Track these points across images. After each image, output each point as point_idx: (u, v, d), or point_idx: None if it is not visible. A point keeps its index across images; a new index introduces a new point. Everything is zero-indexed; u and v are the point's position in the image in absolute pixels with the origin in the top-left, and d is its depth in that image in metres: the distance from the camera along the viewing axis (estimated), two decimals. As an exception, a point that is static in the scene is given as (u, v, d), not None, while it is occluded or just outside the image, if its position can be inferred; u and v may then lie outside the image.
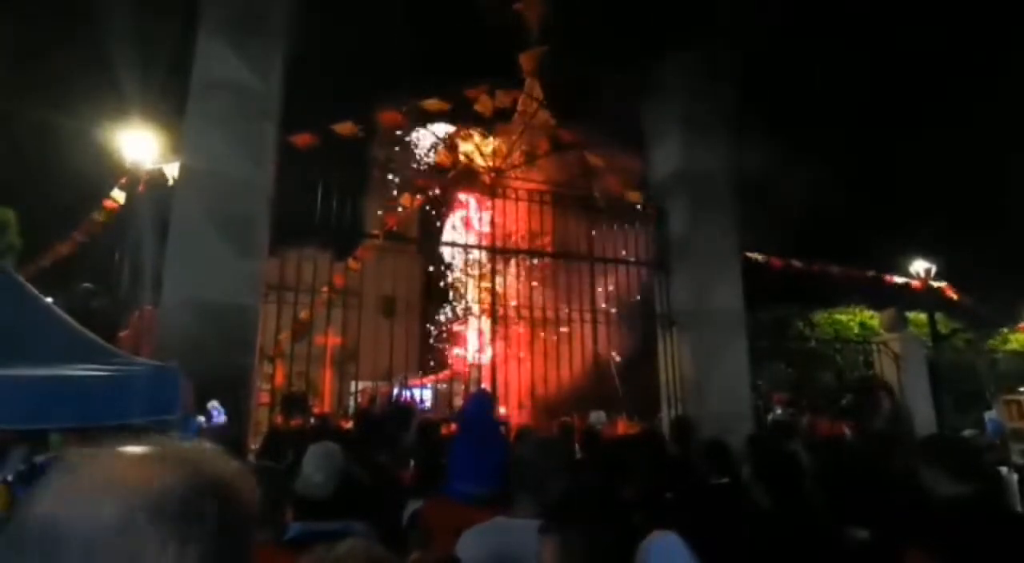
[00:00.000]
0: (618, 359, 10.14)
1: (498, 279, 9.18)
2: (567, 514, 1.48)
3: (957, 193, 18.36)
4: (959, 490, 1.92)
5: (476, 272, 13.49)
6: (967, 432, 7.56)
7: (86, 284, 6.25)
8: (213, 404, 4.62)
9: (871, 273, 12.65)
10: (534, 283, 11.03)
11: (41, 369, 2.74)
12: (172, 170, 6.41)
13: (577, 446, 5.06)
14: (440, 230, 14.26)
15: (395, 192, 11.29)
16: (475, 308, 13.51)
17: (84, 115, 9.21)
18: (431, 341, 16.22)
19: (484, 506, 2.13)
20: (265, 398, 7.21)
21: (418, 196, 10.59)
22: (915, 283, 13.02)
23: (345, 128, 7.36)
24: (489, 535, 1.75)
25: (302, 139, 6.83)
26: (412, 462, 4.27)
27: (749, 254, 9.17)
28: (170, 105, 7.06)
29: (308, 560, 0.95)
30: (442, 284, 15.74)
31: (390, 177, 12.02)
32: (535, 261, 10.96)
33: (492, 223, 8.63)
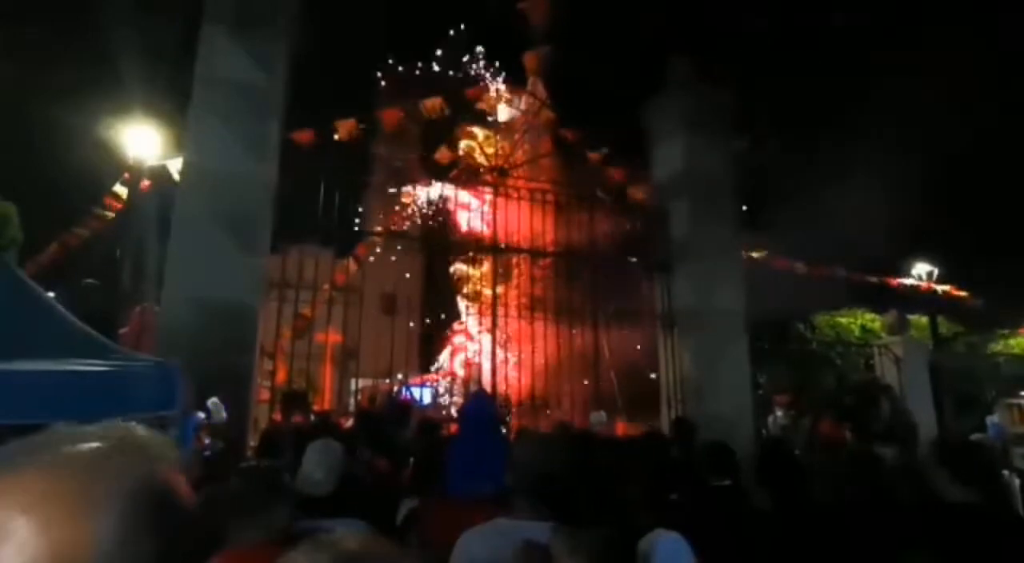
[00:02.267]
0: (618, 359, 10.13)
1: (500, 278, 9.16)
2: (576, 514, 1.47)
3: (961, 195, 18.33)
4: (967, 496, 1.89)
5: (477, 271, 13.47)
6: (976, 436, 7.54)
7: (87, 280, 6.25)
8: (213, 401, 4.61)
9: (873, 277, 12.63)
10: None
11: (41, 364, 2.74)
12: (175, 166, 6.41)
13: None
14: (442, 229, 14.25)
15: (397, 190, 11.27)
16: (476, 307, 13.49)
17: (87, 111, 9.22)
18: (431, 340, 16.19)
19: (484, 505, 2.12)
20: (265, 395, 7.21)
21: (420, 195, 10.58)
22: (920, 285, 13.00)
23: (347, 127, 7.36)
24: (490, 536, 1.74)
25: (304, 136, 6.83)
26: (411, 461, 4.26)
27: (752, 255, 9.17)
28: (173, 102, 7.06)
29: (304, 550, 0.89)
30: (443, 283, 15.72)
31: (392, 175, 12.03)
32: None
33: (494, 222, 8.61)
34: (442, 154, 9.56)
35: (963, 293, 13.40)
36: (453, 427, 5.64)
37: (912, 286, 13.09)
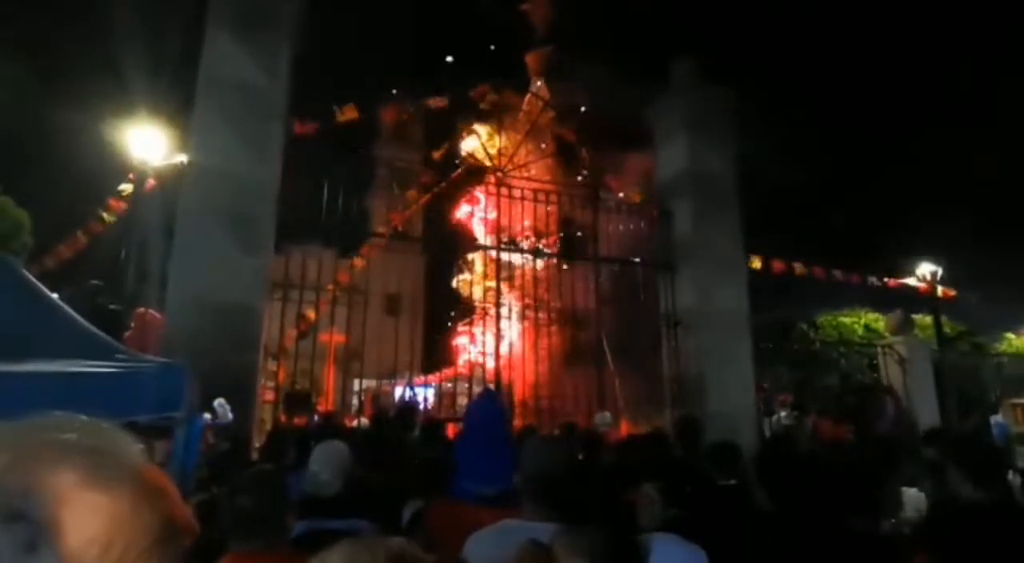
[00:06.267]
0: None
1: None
2: (581, 515, 1.47)
3: (963, 196, 18.29)
4: (978, 495, 1.89)
5: (481, 270, 13.48)
6: None
7: (92, 281, 6.27)
8: (220, 401, 4.62)
9: (877, 277, 12.59)
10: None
11: (47, 365, 2.74)
12: (178, 167, 6.42)
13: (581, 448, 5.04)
14: (445, 229, 14.25)
15: (400, 190, 11.25)
16: (480, 307, 13.50)
17: (91, 111, 9.25)
18: (435, 339, 16.19)
19: (491, 506, 2.12)
20: (269, 396, 7.22)
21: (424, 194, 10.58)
22: (921, 286, 12.95)
23: (349, 112, 7.36)
24: (498, 537, 1.74)
25: (307, 128, 6.85)
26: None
27: (754, 255, 9.14)
28: (177, 102, 7.08)
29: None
30: (447, 282, 15.73)
31: (395, 175, 12.02)
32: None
33: (497, 222, 8.61)
34: (444, 151, 9.57)
35: (960, 293, 13.35)
36: (455, 427, 5.64)
37: (913, 286, 13.03)
